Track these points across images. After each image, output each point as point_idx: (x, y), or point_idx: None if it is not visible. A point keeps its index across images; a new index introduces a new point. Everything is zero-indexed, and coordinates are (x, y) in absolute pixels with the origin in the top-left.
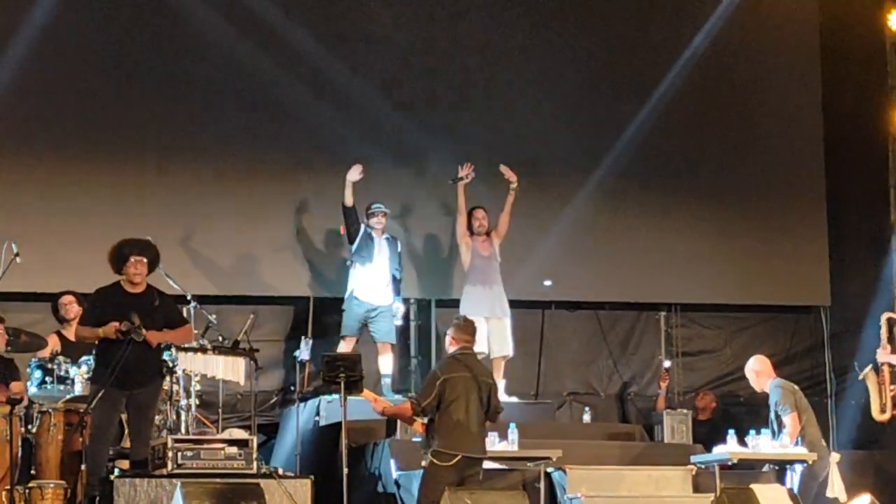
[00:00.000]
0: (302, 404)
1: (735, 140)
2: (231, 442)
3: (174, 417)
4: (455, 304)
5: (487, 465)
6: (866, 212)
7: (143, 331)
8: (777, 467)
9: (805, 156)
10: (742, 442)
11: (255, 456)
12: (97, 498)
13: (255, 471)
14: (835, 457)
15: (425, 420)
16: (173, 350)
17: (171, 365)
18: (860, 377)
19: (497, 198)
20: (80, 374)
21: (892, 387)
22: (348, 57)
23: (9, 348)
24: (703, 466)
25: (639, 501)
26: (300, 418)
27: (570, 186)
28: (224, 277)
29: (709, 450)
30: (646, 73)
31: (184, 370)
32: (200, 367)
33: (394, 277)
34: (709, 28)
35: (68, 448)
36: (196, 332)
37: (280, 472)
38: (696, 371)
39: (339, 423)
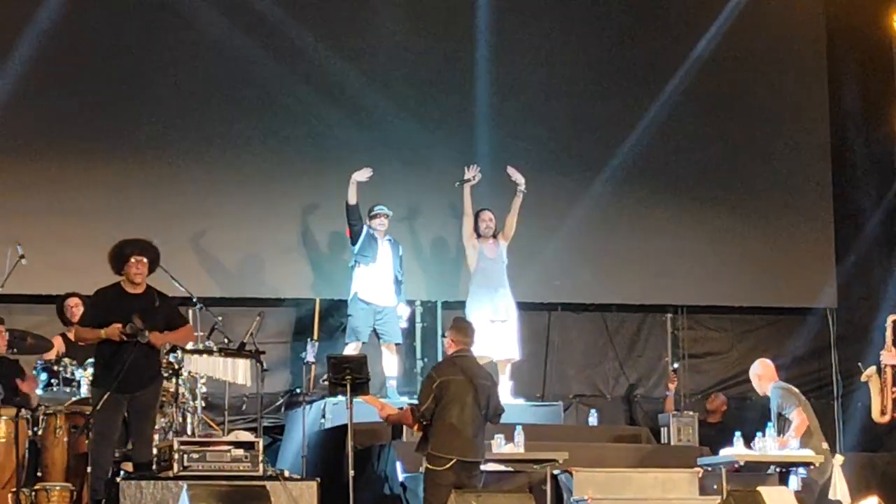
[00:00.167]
0: (308, 406)
1: (741, 142)
2: (237, 444)
3: (180, 419)
4: (461, 306)
5: (493, 467)
6: (873, 214)
7: (147, 333)
8: (781, 469)
9: (812, 157)
10: (749, 444)
11: (261, 458)
12: (103, 501)
13: (260, 473)
14: (838, 459)
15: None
16: (179, 352)
17: (176, 367)
18: (863, 378)
19: (504, 200)
20: (85, 376)
21: (893, 389)
22: (356, 60)
23: (14, 350)
24: (709, 469)
25: None
26: (306, 420)
27: (576, 188)
28: (230, 279)
29: (717, 452)
30: (652, 76)
31: (190, 372)
32: (206, 369)
33: (396, 279)
34: (715, 31)
35: (74, 450)
36: (202, 334)
37: (286, 474)
38: (702, 373)
39: (346, 425)
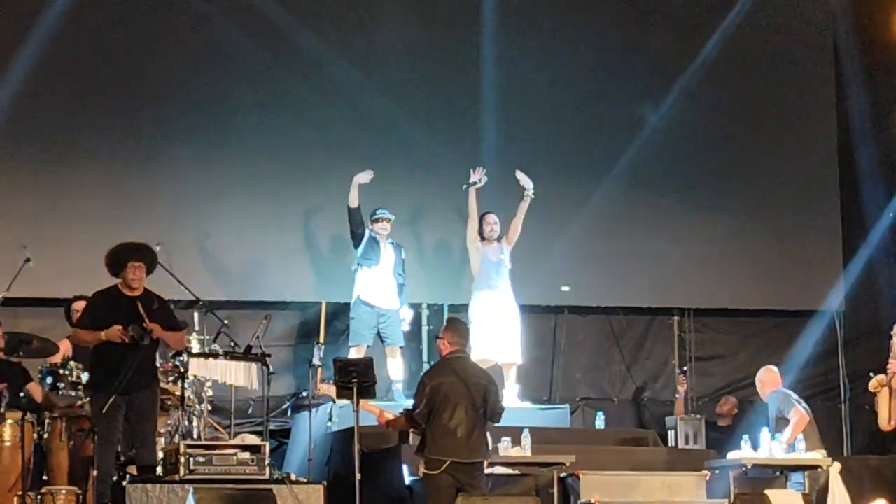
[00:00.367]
0: (314, 410)
1: (748, 145)
2: (243, 447)
3: (186, 423)
4: (467, 309)
5: (500, 470)
6: (880, 217)
7: (148, 327)
8: (777, 474)
9: (819, 160)
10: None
11: (267, 462)
12: None
13: (267, 476)
14: (835, 466)
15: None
16: (185, 355)
17: (182, 370)
18: (871, 388)
19: (509, 203)
20: None
21: None
22: (361, 62)
23: (20, 354)
24: (716, 472)
25: None
26: (312, 423)
27: (583, 191)
28: (235, 283)
29: (726, 455)
30: (659, 79)
31: (196, 376)
32: (212, 372)
33: (398, 283)
34: (722, 33)
35: (80, 454)
36: (208, 337)
37: (292, 477)
38: (709, 376)
39: (352, 428)
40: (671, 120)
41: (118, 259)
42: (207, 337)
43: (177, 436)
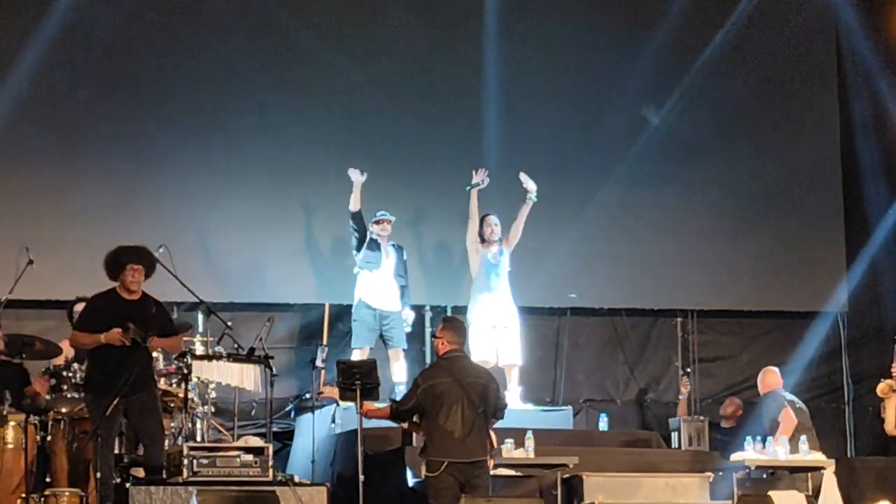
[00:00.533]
0: (317, 411)
1: (750, 145)
2: (247, 449)
3: (190, 425)
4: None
5: (504, 471)
6: (884, 217)
7: (150, 341)
8: (768, 474)
9: (822, 161)
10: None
11: (270, 463)
12: None
13: (270, 478)
14: (830, 466)
15: (405, 424)
16: (188, 357)
17: (186, 372)
18: (879, 392)
19: (511, 205)
20: None
21: None
22: (362, 64)
23: (22, 355)
24: (720, 473)
25: None
26: (315, 425)
27: (586, 192)
28: (238, 285)
29: (728, 457)
30: (662, 79)
31: (199, 378)
32: (216, 374)
33: (400, 285)
34: (724, 34)
35: (83, 456)
36: (211, 339)
37: (296, 479)
38: (712, 377)
39: (355, 430)
40: (673, 121)
41: (117, 262)
42: (211, 339)
43: (180, 438)
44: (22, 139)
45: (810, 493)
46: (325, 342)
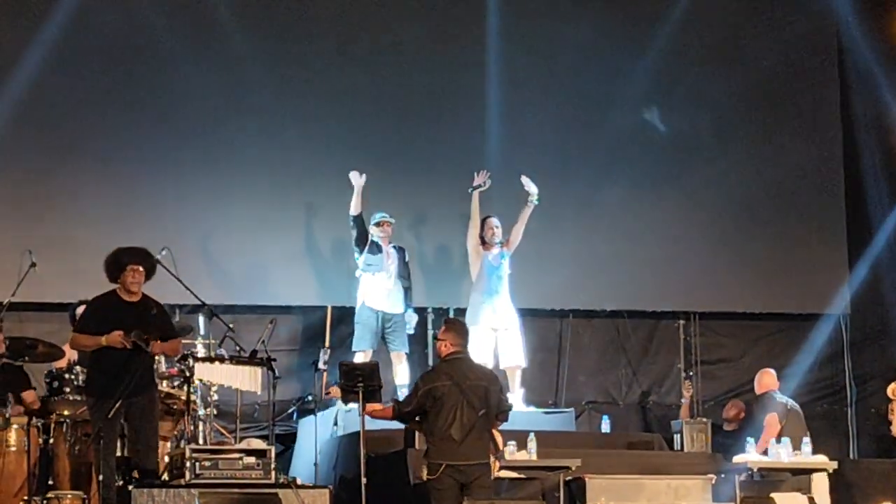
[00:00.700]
0: (319, 414)
1: (753, 147)
2: (249, 452)
3: (192, 427)
4: None
5: (506, 474)
6: (886, 219)
7: (151, 345)
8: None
9: (824, 163)
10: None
11: (273, 466)
12: None
13: (273, 481)
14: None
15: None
16: (190, 360)
17: (188, 374)
18: (889, 392)
19: (512, 207)
20: None
21: None
22: (364, 66)
23: (26, 358)
24: (722, 475)
25: None
26: (318, 428)
27: (587, 194)
28: (240, 287)
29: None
30: (663, 82)
31: (201, 380)
32: (218, 376)
33: (403, 287)
34: (726, 37)
35: (85, 458)
36: (213, 341)
37: (298, 482)
38: (715, 380)
39: (358, 432)
40: (675, 123)
41: (117, 263)
42: (213, 341)
43: (182, 440)
44: (24, 141)
45: (812, 494)
46: (327, 344)
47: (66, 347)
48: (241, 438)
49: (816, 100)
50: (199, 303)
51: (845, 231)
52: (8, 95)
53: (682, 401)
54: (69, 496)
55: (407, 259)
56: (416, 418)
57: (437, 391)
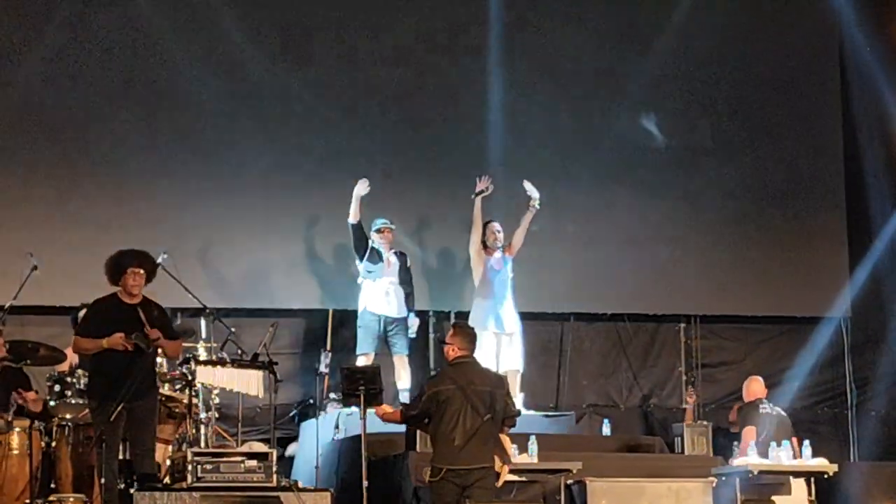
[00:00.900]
0: (321, 417)
1: (754, 152)
2: (250, 455)
3: (193, 431)
4: None
5: (507, 476)
6: (886, 222)
7: (149, 335)
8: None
9: (825, 167)
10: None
11: (274, 469)
12: None
13: (274, 484)
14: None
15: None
16: (192, 363)
17: (189, 378)
18: None
19: (514, 212)
20: None
21: None
22: (364, 71)
23: (28, 361)
24: (723, 478)
25: None
26: (319, 431)
27: (589, 198)
28: (242, 291)
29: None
30: (665, 85)
31: (202, 383)
32: (219, 380)
33: (404, 291)
34: (728, 41)
35: (87, 461)
36: (215, 345)
37: (299, 485)
38: (716, 383)
39: (359, 435)
40: (676, 127)
41: (118, 266)
42: (215, 345)
43: (184, 443)
44: (26, 145)
45: (813, 497)
46: (328, 348)
47: (69, 351)
48: (243, 441)
49: (818, 103)
50: (200, 306)
51: (846, 234)
52: (10, 100)
53: (686, 406)
54: (71, 499)
55: (409, 265)
56: (425, 421)
57: (441, 395)
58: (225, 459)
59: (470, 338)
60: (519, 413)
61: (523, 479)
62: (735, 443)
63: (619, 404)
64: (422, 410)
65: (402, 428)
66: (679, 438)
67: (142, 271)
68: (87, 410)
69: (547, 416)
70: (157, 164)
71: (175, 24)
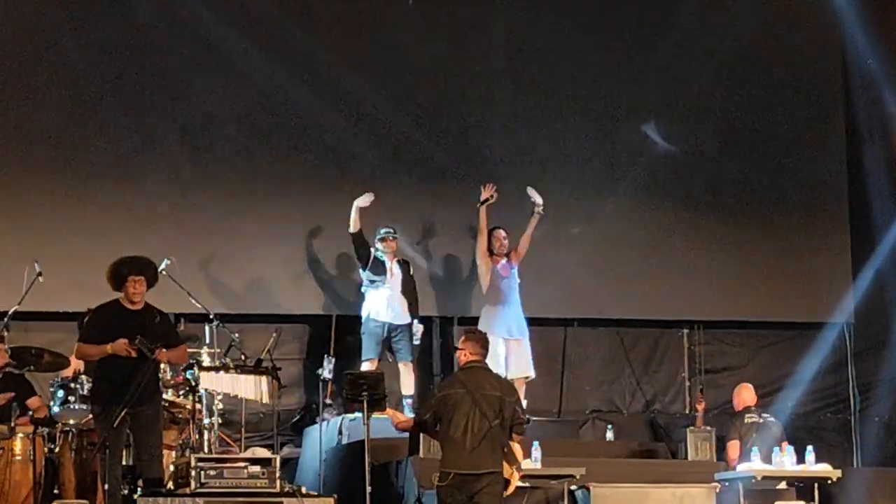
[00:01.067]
0: (324, 423)
1: (757, 157)
2: (254, 461)
3: (197, 436)
4: (477, 322)
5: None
6: (889, 228)
7: (157, 352)
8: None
9: (828, 172)
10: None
11: (278, 474)
12: None
13: (278, 489)
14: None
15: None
16: (196, 369)
17: (193, 384)
18: None
19: (518, 219)
20: None
21: None
22: (370, 78)
23: (32, 367)
24: (727, 484)
25: None
26: (323, 437)
27: (592, 204)
28: (245, 297)
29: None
30: (667, 94)
31: (206, 389)
32: (223, 385)
33: (408, 300)
34: (730, 47)
35: (91, 467)
36: (219, 350)
37: (303, 490)
38: (719, 388)
39: (362, 441)
40: (679, 133)
41: (118, 274)
42: (218, 350)
43: (187, 449)
44: (30, 151)
45: (816, 503)
46: (332, 354)
47: (72, 357)
48: (246, 447)
49: (821, 109)
50: (204, 312)
51: (849, 240)
52: (13, 106)
53: (697, 414)
54: None
55: (411, 273)
56: (436, 427)
57: (450, 398)
58: (228, 465)
59: (481, 343)
60: (528, 421)
61: (527, 484)
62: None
63: (623, 410)
64: (433, 414)
65: (405, 433)
66: (683, 444)
67: (142, 278)
68: (90, 416)
69: (550, 421)
70: (161, 171)
71: (177, 31)
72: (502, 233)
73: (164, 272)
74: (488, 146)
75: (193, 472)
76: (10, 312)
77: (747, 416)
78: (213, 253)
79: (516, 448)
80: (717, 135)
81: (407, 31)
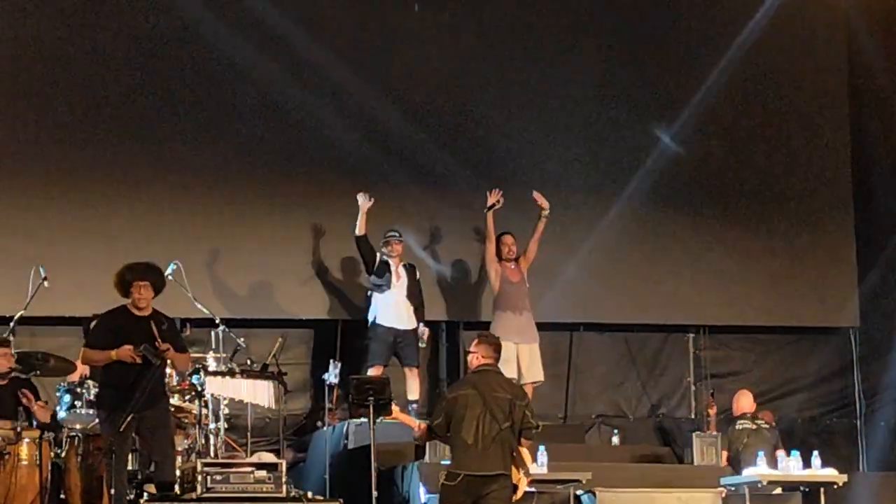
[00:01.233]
0: (330, 427)
1: (762, 161)
2: (260, 465)
3: (203, 441)
4: (483, 326)
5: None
6: (895, 232)
7: (160, 347)
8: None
9: (833, 176)
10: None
11: (284, 479)
12: None
13: (284, 494)
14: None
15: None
16: (202, 374)
17: (199, 389)
18: None
19: (525, 223)
20: None
21: None
22: (376, 82)
23: (38, 372)
24: (732, 489)
25: None
26: (329, 441)
27: (597, 209)
28: (251, 301)
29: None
30: (672, 97)
31: (212, 394)
32: (229, 390)
33: (414, 304)
34: (735, 51)
35: (97, 472)
36: (224, 355)
37: (309, 495)
38: (724, 393)
39: (368, 445)
40: (684, 137)
41: (124, 280)
42: (224, 355)
43: (194, 454)
44: (34, 155)
45: None
46: (338, 358)
47: (78, 362)
48: (252, 452)
49: (827, 113)
50: (210, 317)
51: (854, 244)
52: (19, 111)
53: (709, 419)
54: None
55: (417, 277)
56: (448, 431)
57: (460, 400)
58: (235, 470)
59: (494, 347)
60: (538, 427)
61: (533, 489)
62: None
63: (629, 414)
64: (445, 417)
65: (410, 437)
66: (688, 448)
67: (148, 284)
68: (96, 421)
69: (556, 426)
70: (166, 176)
71: (179, 34)
72: (510, 238)
73: (170, 277)
74: (495, 150)
75: (199, 477)
76: (15, 317)
77: (739, 422)
78: (220, 258)
79: (525, 453)
80: (721, 140)
81: (414, 37)
